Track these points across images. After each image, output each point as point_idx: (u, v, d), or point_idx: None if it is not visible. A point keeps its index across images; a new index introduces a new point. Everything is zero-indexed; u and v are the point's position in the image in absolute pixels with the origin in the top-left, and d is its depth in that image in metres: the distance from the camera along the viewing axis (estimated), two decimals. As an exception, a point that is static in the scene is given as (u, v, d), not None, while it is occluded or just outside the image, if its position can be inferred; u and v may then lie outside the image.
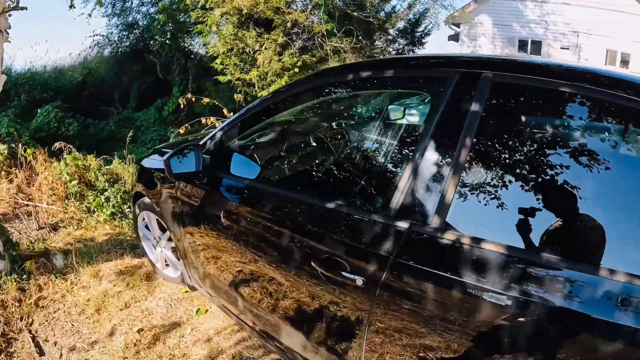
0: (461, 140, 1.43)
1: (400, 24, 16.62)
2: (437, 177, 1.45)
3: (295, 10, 8.14)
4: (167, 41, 12.20)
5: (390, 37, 16.25)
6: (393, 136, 2.18)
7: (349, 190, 2.04)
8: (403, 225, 1.47)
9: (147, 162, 3.15)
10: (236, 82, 8.83)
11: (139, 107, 12.23)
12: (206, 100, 6.24)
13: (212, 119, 6.00)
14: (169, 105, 11.12)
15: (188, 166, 2.21)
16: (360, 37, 9.53)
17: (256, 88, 8.73)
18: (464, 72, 1.53)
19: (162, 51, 12.17)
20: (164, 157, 2.22)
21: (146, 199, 3.04)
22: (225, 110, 6.30)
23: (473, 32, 15.21)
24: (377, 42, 12.41)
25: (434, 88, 1.61)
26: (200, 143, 2.34)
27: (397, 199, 1.52)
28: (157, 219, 3.01)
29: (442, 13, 12.97)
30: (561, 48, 14.77)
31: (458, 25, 15.31)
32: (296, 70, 8.47)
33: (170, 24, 11.70)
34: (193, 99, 6.27)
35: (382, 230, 1.51)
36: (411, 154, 1.65)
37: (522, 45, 15.18)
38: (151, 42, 12.89)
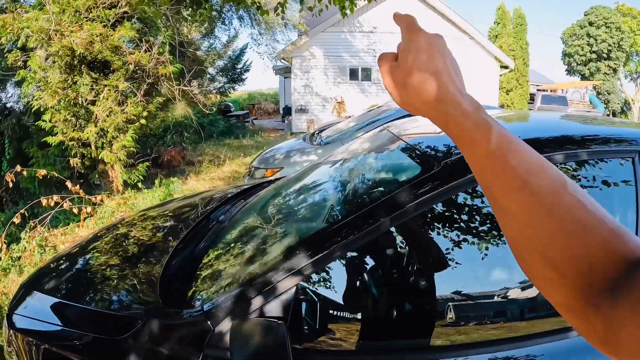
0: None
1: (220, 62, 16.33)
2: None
3: (138, 50, 6.97)
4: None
5: (210, 76, 15.86)
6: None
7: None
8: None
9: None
10: (70, 143, 7.10)
11: None
12: (42, 172, 4.84)
13: (55, 197, 4.65)
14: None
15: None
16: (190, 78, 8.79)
17: (93, 148, 7.17)
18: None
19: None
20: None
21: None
22: (69, 183, 4.98)
23: (305, 64, 15.57)
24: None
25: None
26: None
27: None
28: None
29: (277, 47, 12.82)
30: (389, 72, 15.98)
31: (290, 60, 15.52)
32: (143, 122, 7.29)
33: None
34: (23, 172, 4.89)
35: None
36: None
37: (353, 73, 16.04)
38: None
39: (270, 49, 12.19)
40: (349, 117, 15.31)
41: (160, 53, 7.10)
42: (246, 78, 22.49)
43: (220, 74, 18.46)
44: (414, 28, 0.61)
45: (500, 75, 18.53)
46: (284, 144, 6.82)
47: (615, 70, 39.89)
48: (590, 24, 38.05)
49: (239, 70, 21.57)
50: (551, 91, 28.27)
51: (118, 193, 6.75)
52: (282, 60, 16.22)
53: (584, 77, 39.52)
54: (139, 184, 7.22)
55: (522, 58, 20.94)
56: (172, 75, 7.29)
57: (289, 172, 5.33)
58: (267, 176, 5.44)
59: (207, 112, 8.42)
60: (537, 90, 25.08)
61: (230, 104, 21.67)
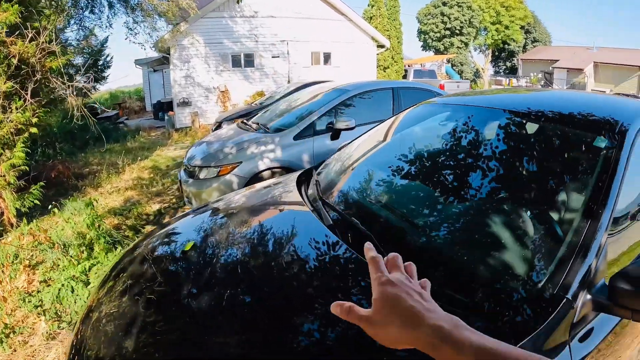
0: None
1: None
2: None
3: (22, 39, 5.16)
4: None
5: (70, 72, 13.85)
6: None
7: None
8: None
9: None
10: None
11: None
12: None
13: None
14: None
15: None
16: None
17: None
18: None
19: None
20: None
21: None
22: None
23: (185, 54, 14.24)
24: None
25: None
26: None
27: None
28: None
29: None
30: (272, 57, 15.35)
31: (168, 50, 14.05)
32: (33, 130, 5.32)
33: None
34: None
35: None
36: None
37: (235, 60, 15.07)
38: None
39: (149, 38, 10.60)
40: (235, 106, 14.46)
41: (49, 41, 5.40)
42: (108, 75, 20.20)
43: (81, 71, 16.19)
44: (377, 268, 0.68)
45: (378, 54, 18.98)
46: (209, 137, 6.02)
47: (466, 44, 43.85)
48: (444, 3, 41.08)
49: (100, 66, 19.22)
50: (421, 65, 30.16)
51: (12, 228, 5.07)
52: (160, 52, 14.68)
53: (438, 52, 42.85)
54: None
55: (397, 37, 21.69)
56: (61, 69, 5.71)
57: (249, 166, 4.80)
58: (222, 174, 4.77)
59: (79, 114, 6.69)
60: (408, 66, 26.47)
61: (97, 105, 19.25)
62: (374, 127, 3.12)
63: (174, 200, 6.08)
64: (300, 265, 1.64)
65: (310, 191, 2.30)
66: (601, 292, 1.29)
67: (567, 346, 1.24)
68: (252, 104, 11.11)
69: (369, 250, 0.70)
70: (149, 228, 4.94)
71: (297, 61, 15.85)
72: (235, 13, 14.44)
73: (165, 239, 2.10)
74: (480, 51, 46.53)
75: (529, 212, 1.67)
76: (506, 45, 44.74)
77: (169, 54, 14.13)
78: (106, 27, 11.99)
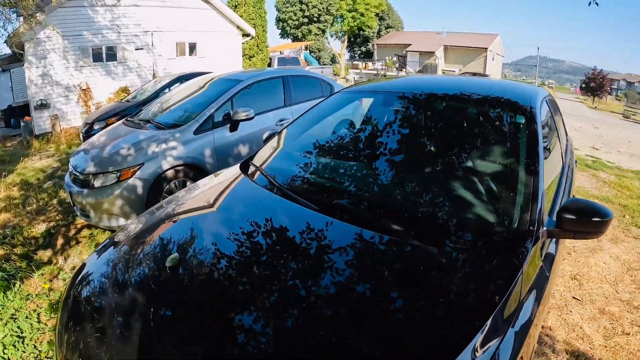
0: None
1: None
2: None
3: None
4: None
5: None
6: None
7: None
8: None
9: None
10: None
11: None
12: None
13: None
14: None
15: None
16: None
17: None
18: None
19: None
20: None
21: None
22: None
23: (41, 49, 12.67)
24: None
25: None
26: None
27: None
28: None
29: None
30: (136, 49, 14.47)
31: (22, 46, 12.36)
32: None
33: None
34: None
35: None
36: None
37: (97, 54, 13.86)
38: None
39: (3, 32, 9.13)
40: (99, 105, 13.33)
41: None
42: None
43: None
44: None
45: (243, 43, 18.90)
46: (94, 140, 5.33)
47: (324, 31, 45.59)
48: (303, -8, 42.10)
49: None
50: (280, 52, 30.70)
51: None
52: (13, 49, 12.80)
53: (296, 39, 44.04)
54: None
55: (262, 26, 21.74)
56: None
57: (153, 167, 4.44)
58: (123, 179, 4.34)
59: None
60: (272, 54, 26.77)
61: None
62: (297, 117, 3.26)
63: (59, 217, 5.36)
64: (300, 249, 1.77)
65: (264, 180, 2.39)
66: (550, 224, 1.83)
67: (542, 267, 1.75)
68: (122, 101, 10.42)
69: None
70: (42, 253, 4.39)
71: (162, 53, 15.08)
72: (96, 2, 13.15)
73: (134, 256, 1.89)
74: (337, 37, 48.75)
75: (491, 175, 2.20)
76: (361, 32, 47.45)
77: (23, 51, 12.42)
78: None
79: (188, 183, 4.72)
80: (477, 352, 1.24)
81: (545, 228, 1.82)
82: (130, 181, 4.34)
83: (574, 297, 3.63)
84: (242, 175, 2.49)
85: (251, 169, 2.61)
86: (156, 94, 9.26)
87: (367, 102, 3.29)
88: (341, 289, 1.50)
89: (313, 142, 2.91)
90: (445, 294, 1.46)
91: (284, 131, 3.07)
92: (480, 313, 1.35)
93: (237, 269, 1.66)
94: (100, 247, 2.03)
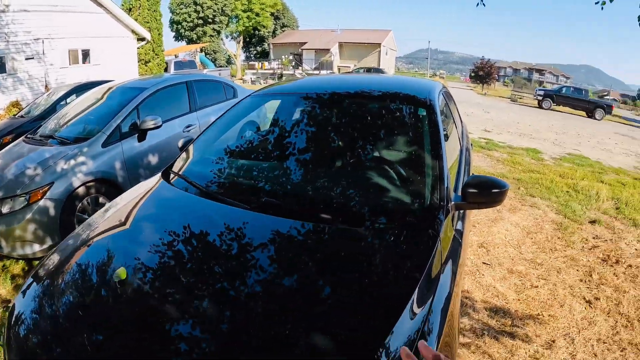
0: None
1: None
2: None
3: None
4: None
5: None
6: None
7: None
8: None
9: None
10: None
11: None
12: None
13: None
14: None
15: None
16: None
17: None
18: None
19: None
20: None
21: None
22: None
23: None
24: None
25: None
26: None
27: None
28: None
29: None
30: (26, 59, 13.25)
31: None
32: None
33: None
34: None
35: None
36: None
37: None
38: None
39: None
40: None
41: None
42: None
43: None
44: None
45: (139, 48, 18.19)
46: None
47: (219, 32, 44.93)
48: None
49: None
50: (175, 56, 29.70)
51: None
52: None
53: (191, 41, 43.01)
54: None
55: (157, 29, 20.92)
56: None
57: (64, 185, 4.15)
58: (33, 201, 3.99)
59: None
60: (167, 58, 25.79)
61: None
62: (212, 122, 3.28)
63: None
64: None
65: (188, 185, 2.41)
66: (457, 199, 2.15)
67: (454, 237, 2.05)
68: (15, 117, 9.54)
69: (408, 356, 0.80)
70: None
71: (54, 62, 13.96)
72: (-20, 8, 11.78)
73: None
74: (232, 38, 48.29)
75: (402, 162, 2.48)
76: (257, 32, 47.41)
77: None
78: None
79: (101, 199, 4.51)
80: (415, 308, 1.45)
81: (453, 202, 2.12)
82: (41, 203, 4.01)
83: (484, 263, 4.07)
84: (166, 184, 2.49)
85: (174, 177, 2.60)
86: (53, 107, 8.59)
87: (276, 104, 3.43)
88: (280, 279, 1.64)
89: (230, 145, 3.00)
90: (376, 266, 1.68)
91: (201, 137, 3.08)
92: (411, 276, 1.58)
93: (174, 275, 1.68)
94: (24, 287, 1.91)
